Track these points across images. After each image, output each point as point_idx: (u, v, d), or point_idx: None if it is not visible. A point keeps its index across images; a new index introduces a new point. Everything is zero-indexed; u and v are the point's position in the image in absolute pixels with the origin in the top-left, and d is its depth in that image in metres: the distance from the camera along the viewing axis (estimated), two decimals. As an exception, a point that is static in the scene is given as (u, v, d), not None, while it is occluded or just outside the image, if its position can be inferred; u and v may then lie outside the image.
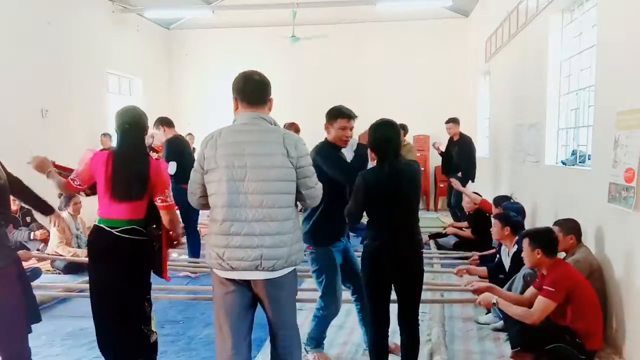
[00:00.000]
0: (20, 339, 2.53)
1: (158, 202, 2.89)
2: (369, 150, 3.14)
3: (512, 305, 3.36)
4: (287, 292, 2.46)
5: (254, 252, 2.31)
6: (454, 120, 7.92)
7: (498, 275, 4.34)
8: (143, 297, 2.91)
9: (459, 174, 7.66)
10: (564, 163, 5.12)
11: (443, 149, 8.09)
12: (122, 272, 2.81)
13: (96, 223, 2.88)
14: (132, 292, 2.85)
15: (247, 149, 2.34)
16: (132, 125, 2.90)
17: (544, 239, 3.37)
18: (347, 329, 4.09)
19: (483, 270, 4.54)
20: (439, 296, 4.77)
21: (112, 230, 2.80)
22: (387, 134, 2.91)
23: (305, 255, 2.72)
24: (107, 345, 2.89)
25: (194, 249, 6.05)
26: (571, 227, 3.89)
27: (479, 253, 5.87)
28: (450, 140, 8.05)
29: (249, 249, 2.32)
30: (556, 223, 3.95)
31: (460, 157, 7.75)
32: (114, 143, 8.23)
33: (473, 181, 7.89)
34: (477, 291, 3.65)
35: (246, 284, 2.39)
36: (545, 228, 3.66)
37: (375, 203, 2.86)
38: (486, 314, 4.22)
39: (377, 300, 2.93)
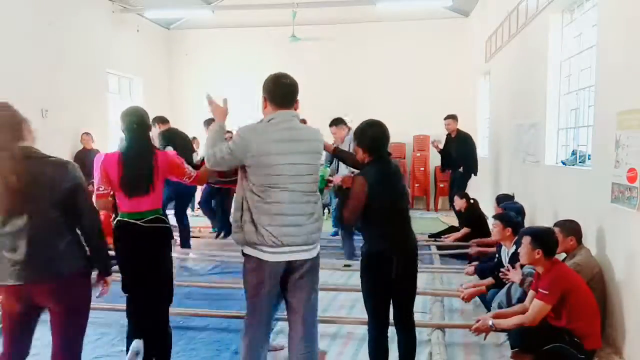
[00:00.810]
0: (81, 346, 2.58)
1: (186, 181, 3.23)
2: (355, 150, 3.06)
3: (506, 320, 3.34)
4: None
5: None
6: (452, 117, 8.00)
7: (502, 278, 4.29)
8: (170, 277, 3.19)
9: (460, 169, 7.79)
10: (564, 163, 5.12)
11: (441, 146, 8.12)
12: (152, 259, 3.05)
13: (120, 218, 3.06)
14: (162, 275, 3.12)
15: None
16: (140, 124, 3.11)
17: (546, 241, 3.34)
18: (347, 328, 4.09)
19: (489, 282, 4.45)
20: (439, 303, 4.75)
21: (138, 222, 3.02)
22: (382, 133, 2.95)
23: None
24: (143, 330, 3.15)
25: (186, 240, 6.53)
26: (572, 228, 3.88)
27: (477, 243, 5.90)
28: (449, 136, 8.10)
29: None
30: (557, 224, 3.94)
31: (459, 153, 7.83)
32: (95, 143, 8.28)
33: (476, 175, 7.96)
34: (478, 330, 3.48)
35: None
36: (547, 228, 3.65)
37: (378, 203, 2.84)
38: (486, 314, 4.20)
39: (381, 301, 2.93)
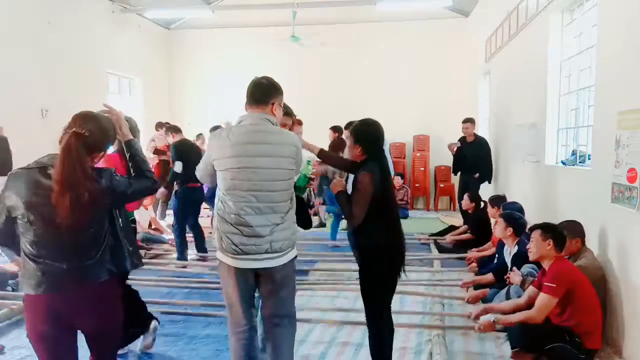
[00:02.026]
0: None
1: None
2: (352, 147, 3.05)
3: (512, 316, 3.35)
4: None
5: None
6: (470, 120, 7.74)
7: (503, 276, 4.31)
8: None
9: (476, 175, 7.54)
10: (564, 163, 5.12)
11: (454, 148, 7.84)
12: None
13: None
14: None
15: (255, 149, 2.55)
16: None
17: (557, 232, 3.39)
18: (347, 328, 4.09)
19: (489, 277, 4.49)
20: (439, 301, 4.77)
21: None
22: (379, 132, 3.01)
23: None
24: None
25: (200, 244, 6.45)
26: (578, 230, 3.88)
27: (476, 251, 5.89)
28: (463, 140, 7.82)
29: None
30: (561, 225, 3.93)
31: (475, 158, 7.56)
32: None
33: (490, 182, 7.83)
34: (477, 317, 3.61)
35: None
36: (555, 223, 3.67)
37: (384, 196, 2.89)
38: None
39: (392, 292, 3.04)
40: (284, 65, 11.06)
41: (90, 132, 2.23)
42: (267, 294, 2.68)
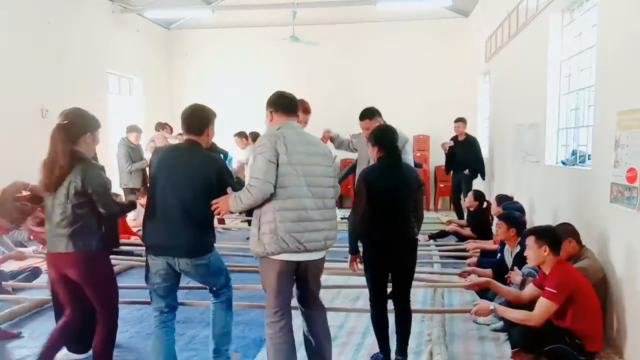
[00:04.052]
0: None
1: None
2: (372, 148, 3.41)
3: (511, 310, 3.34)
4: None
5: None
6: (462, 120, 8.28)
7: (503, 275, 4.31)
8: None
9: (466, 172, 8.00)
10: (564, 163, 5.12)
11: (447, 146, 8.31)
12: None
13: None
14: None
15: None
16: None
17: (550, 236, 3.35)
18: (347, 328, 4.09)
19: (488, 272, 4.49)
20: (440, 297, 4.77)
21: None
22: (388, 134, 3.38)
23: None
24: None
25: None
26: (568, 230, 3.86)
27: (474, 244, 5.90)
28: (455, 139, 8.30)
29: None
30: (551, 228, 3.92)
31: (465, 156, 8.06)
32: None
33: (484, 179, 8.16)
34: (474, 286, 3.78)
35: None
36: (548, 225, 3.65)
37: (371, 193, 3.27)
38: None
39: (375, 280, 3.37)
40: (283, 65, 11.07)
41: (69, 121, 2.94)
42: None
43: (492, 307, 3.35)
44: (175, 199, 2.94)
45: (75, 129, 2.94)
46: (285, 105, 2.99)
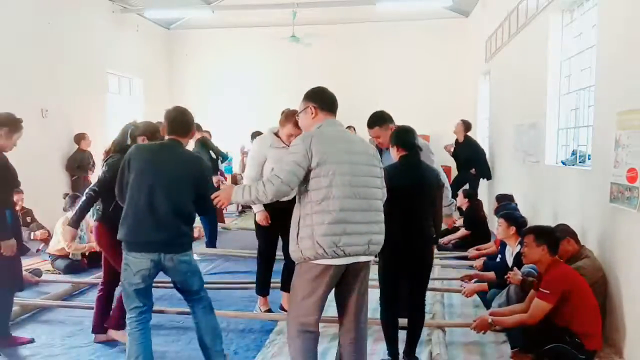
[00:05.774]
0: None
1: None
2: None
3: (507, 318, 3.35)
4: None
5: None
6: (461, 121, 8.28)
7: (504, 276, 4.30)
8: None
9: (472, 171, 8.01)
10: (564, 163, 5.12)
11: (450, 148, 8.46)
12: None
13: None
14: None
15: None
16: None
17: (549, 236, 3.37)
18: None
19: (490, 275, 4.47)
20: (440, 297, 4.76)
21: None
22: (403, 134, 3.39)
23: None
24: None
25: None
26: (563, 230, 3.86)
27: (476, 249, 5.89)
28: (456, 141, 8.39)
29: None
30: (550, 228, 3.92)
31: (466, 157, 8.11)
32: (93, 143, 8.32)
33: (489, 179, 8.15)
34: (472, 292, 3.80)
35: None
36: (547, 226, 3.65)
37: (392, 191, 3.19)
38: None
39: (389, 282, 3.31)
40: (283, 65, 11.06)
41: None
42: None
43: (490, 321, 3.36)
44: (163, 194, 2.94)
45: None
46: (330, 103, 2.84)
